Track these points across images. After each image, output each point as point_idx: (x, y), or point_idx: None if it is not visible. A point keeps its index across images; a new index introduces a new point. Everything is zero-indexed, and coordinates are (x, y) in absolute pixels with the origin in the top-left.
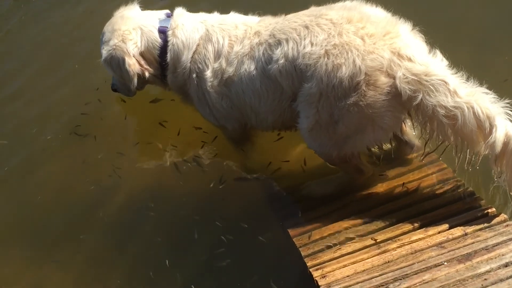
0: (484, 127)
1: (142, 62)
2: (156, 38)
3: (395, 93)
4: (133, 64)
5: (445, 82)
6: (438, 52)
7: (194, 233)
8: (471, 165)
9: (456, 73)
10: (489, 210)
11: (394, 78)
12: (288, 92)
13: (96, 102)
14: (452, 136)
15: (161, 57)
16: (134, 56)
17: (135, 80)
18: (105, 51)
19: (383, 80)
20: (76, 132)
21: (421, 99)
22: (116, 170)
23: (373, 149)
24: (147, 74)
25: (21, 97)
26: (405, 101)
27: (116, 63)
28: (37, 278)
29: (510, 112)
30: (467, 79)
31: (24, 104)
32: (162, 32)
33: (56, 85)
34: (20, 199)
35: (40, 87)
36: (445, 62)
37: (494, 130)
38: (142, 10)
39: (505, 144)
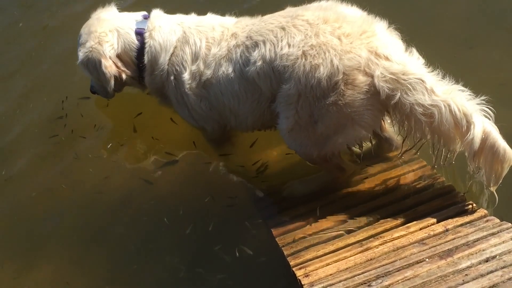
0: (461, 125)
1: (119, 64)
2: (133, 40)
3: (373, 92)
4: (110, 66)
5: (422, 81)
6: (414, 50)
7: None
8: (447, 161)
9: (433, 71)
10: (469, 206)
11: (372, 76)
12: (266, 94)
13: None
14: (429, 134)
15: (138, 59)
16: (110, 58)
17: (112, 82)
18: (81, 53)
19: (361, 79)
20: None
21: (399, 97)
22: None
23: (353, 147)
24: (124, 76)
25: None
26: (384, 100)
27: (93, 65)
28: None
29: (485, 108)
30: (443, 76)
31: None
32: (139, 34)
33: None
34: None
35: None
36: (421, 60)
37: (472, 127)
38: (119, 11)
39: (483, 140)
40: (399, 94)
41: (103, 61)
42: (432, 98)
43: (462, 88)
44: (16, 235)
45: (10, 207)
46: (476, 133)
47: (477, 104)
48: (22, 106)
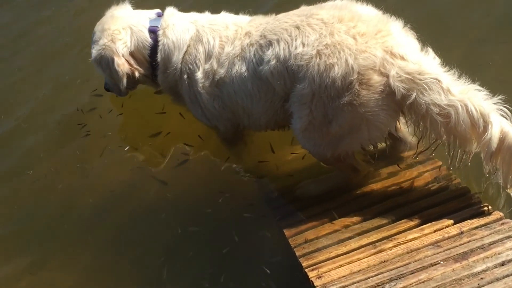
0: (478, 125)
1: (132, 62)
2: (146, 38)
3: (388, 92)
4: (122, 64)
5: (438, 80)
6: (430, 49)
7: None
8: (462, 163)
9: (449, 70)
10: (485, 208)
11: (387, 76)
12: (280, 93)
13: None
14: (445, 134)
15: (151, 57)
16: (123, 56)
17: (125, 80)
18: (94, 51)
19: (376, 79)
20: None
21: (415, 97)
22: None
23: (367, 148)
24: (137, 74)
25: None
26: (399, 100)
27: (106, 62)
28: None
29: (503, 108)
30: (459, 76)
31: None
32: (153, 31)
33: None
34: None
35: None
36: (437, 60)
37: (489, 127)
38: (133, 9)
39: (501, 140)
40: (414, 94)
41: (116, 59)
42: (448, 98)
43: (479, 87)
44: (36, 232)
45: (34, 206)
46: (494, 133)
47: (494, 103)
48: (44, 107)
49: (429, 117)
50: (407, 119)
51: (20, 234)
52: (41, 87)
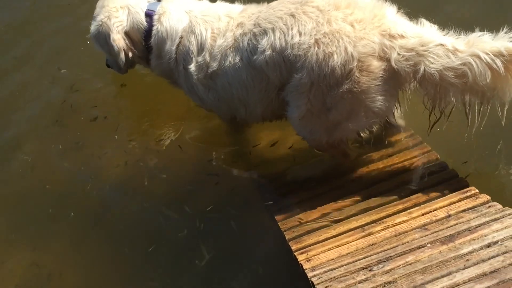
0: (497, 66)
1: (127, 41)
2: (142, 20)
3: (389, 76)
4: (118, 40)
5: (443, 44)
6: (424, 20)
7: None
8: (480, 122)
9: (448, 33)
10: (472, 192)
11: (388, 61)
12: (275, 82)
13: None
14: (463, 94)
15: (145, 40)
16: (119, 33)
17: (122, 55)
18: (93, 26)
19: (376, 64)
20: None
21: (424, 69)
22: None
23: (363, 133)
24: (130, 54)
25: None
26: (405, 79)
27: (103, 38)
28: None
29: None
30: (459, 33)
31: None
32: (149, 15)
33: None
34: None
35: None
36: (434, 26)
37: None
38: None
39: None
40: (422, 66)
41: (111, 34)
42: (459, 57)
43: (481, 33)
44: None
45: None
46: None
47: (503, 36)
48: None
49: (445, 83)
50: (421, 93)
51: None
52: None
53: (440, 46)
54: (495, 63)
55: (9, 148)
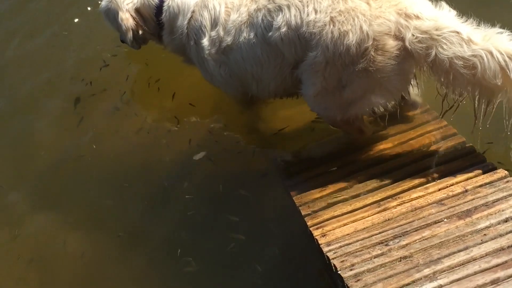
0: (508, 68)
1: (138, 18)
2: None
3: (404, 56)
4: (126, 19)
5: (458, 32)
6: (444, 3)
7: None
8: (486, 117)
9: (466, 20)
10: (490, 167)
11: (403, 40)
12: (289, 59)
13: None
14: (471, 86)
15: (157, 16)
16: (128, 11)
17: (130, 34)
18: (103, 2)
19: (391, 43)
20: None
21: (435, 54)
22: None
23: (378, 111)
24: (140, 31)
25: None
26: (417, 61)
27: (112, 16)
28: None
29: None
30: (479, 24)
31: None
32: None
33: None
34: None
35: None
36: (453, 12)
37: None
38: None
39: None
40: (434, 50)
41: (120, 13)
42: (471, 48)
43: (500, 30)
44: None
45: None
46: None
47: None
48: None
49: (453, 71)
50: (431, 77)
51: None
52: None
53: (455, 33)
54: (507, 65)
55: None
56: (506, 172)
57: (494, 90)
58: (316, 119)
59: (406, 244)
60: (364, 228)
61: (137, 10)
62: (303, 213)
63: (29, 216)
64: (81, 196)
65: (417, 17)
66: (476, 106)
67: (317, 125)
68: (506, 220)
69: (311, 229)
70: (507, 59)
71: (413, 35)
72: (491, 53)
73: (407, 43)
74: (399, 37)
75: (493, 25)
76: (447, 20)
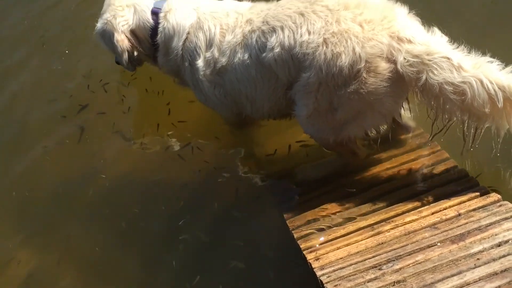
0: (497, 98)
1: (133, 40)
2: (148, 18)
3: (395, 78)
4: (121, 40)
5: (448, 58)
6: (436, 29)
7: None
8: (475, 141)
9: (458, 47)
10: (483, 191)
11: (395, 63)
12: (283, 80)
13: None
14: (461, 113)
15: (152, 38)
16: (123, 33)
17: (125, 55)
18: (99, 24)
19: (383, 66)
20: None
21: (426, 79)
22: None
23: (370, 133)
24: (136, 52)
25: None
26: (408, 84)
27: (108, 37)
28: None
29: None
30: (469, 51)
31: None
32: (155, 13)
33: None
34: None
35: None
36: (445, 38)
37: None
38: None
39: None
40: (425, 75)
41: (115, 34)
42: (461, 75)
43: (491, 59)
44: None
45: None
46: None
47: (511, 72)
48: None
49: (443, 96)
50: (421, 102)
51: None
52: None
53: (446, 59)
54: (496, 94)
55: None
56: (499, 196)
57: (482, 117)
58: (301, 141)
59: (400, 268)
60: (358, 252)
61: (133, 32)
62: (296, 236)
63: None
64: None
65: (409, 41)
66: (465, 130)
67: (311, 149)
68: (499, 245)
69: (304, 252)
70: (496, 88)
71: (404, 58)
72: (481, 81)
73: (398, 66)
74: (391, 60)
75: (484, 53)
76: (439, 45)
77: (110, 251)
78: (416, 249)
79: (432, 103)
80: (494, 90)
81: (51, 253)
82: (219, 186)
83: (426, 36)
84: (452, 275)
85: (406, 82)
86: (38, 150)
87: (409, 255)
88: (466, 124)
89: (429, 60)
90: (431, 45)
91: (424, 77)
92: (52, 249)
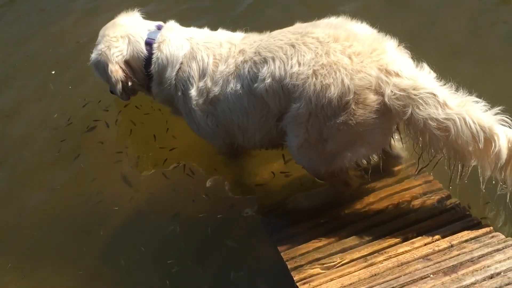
0: (478, 138)
1: (127, 70)
2: (142, 49)
3: (384, 110)
4: (115, 71)
5: (434, 95)
6: (425, 65)
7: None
8: (462, 177)
9: (445, 84)
10: (475, 222)
11: (383, 95)
12: (274, 111)
13: None
14: (445, 148)
15: (146, 68)
16: (117, 63)
17: (119, 86)
18: (93, 55)
19: (372, 98)
20: None
21: (411, 113)
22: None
23: (361, 164)
24: (130, 82)
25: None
26: (395, 117)
27: (102, 67)
28: None
29: (504, 118)
30: (457, 89)
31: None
32: (149, 44)
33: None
34: None
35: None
36: (433, 74)
37: (496, 139)
38: (143, 18)
39: (510, 150)
40: (410, 109)
41: (110, 65)
42: (445, 112)
43: (477, 99)
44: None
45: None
46: (502, 144)
47: (494, 114)
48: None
49: (427, 131)
50: (407, 135)
51: None
52: None
53: (432, 95)
54: (478, 134)
55: None
56: (491, 227)
57: (467, 156)
58: (284, 172)
59: None
60: (351, 284)
61: (127, 62)
62: (289, 267)
63: None
64: None
65: (397, 75)
66: (448, 166)
67: (305, 179)
68: (491, 277)
69: (298, 284)
70: (478, 128)
71: (391, 91)
72: (464, 120)
73: (386, 99)
74: (379, 92)
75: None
76: (426, 81)
77: None
78: (409, 281)
79: (418, 137)
80: (476, 130)
81: None
82: (213, 215)
83: (414, 71)
84: None
85: (393, 114)
86: None
87: (402, 287)
88: (451, 161)
89: (415, 95)
90: (418, 80)
91: (409, 111)
92: None
